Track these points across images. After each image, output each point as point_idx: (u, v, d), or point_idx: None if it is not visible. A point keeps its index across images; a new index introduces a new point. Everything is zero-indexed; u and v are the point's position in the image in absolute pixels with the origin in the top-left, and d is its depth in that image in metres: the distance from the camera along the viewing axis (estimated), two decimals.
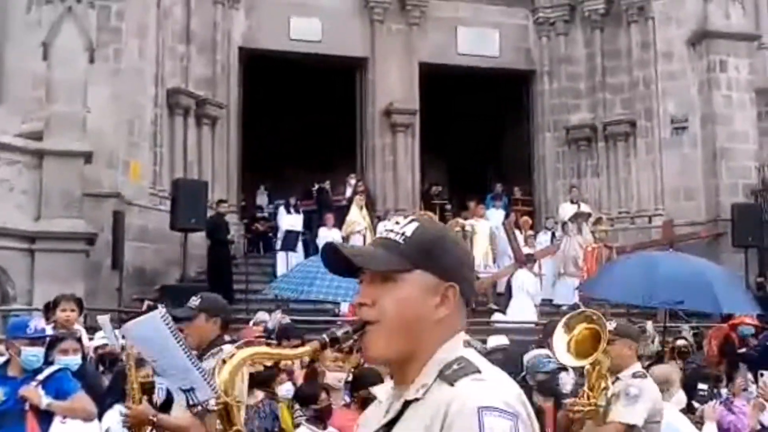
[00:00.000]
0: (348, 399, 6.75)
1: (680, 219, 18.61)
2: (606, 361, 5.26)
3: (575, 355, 5.31)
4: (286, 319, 10.16)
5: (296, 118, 22.43)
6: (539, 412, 5.95)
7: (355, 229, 17.55)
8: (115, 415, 5.88)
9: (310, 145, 22.49)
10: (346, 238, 17.51)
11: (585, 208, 18.49)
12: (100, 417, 5.97)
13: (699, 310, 12.21)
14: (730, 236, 17.33)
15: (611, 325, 5.46)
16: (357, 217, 17.74)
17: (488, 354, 9.01)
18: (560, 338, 5.40)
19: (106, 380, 6.90)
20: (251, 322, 9.82)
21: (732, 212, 17.41)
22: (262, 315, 10.22)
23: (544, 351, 6.55)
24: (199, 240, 15.87)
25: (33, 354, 5.88)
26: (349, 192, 19.20)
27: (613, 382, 5.23)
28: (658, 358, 8.32)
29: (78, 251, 13.55)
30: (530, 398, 5.85)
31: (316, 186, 20.14)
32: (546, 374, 6.06)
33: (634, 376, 5.29)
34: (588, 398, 5.21)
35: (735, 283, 10.15)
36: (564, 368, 6.69)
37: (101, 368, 7.43)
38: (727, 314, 11.59)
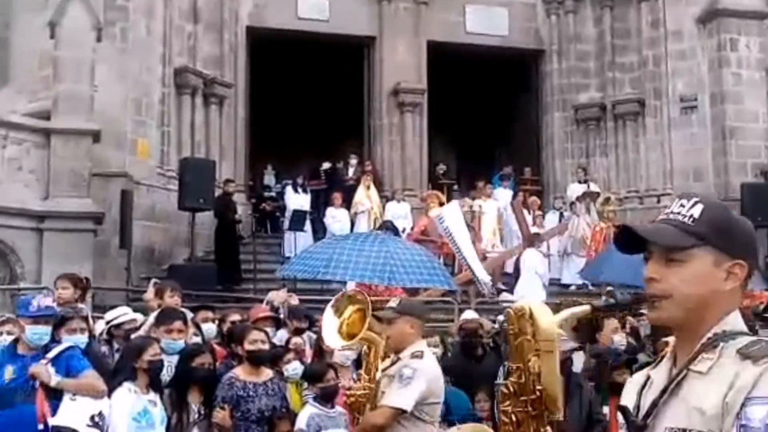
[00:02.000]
0: (355, 377, 6.74)
1: None
2: (381, 342, 5.10)
3: (346, 338, 5.18)
4: (294, 299, 10.13)
5: (304, 97, 22.37)
6: None
7: (359, 209, 17.58)
8: (124, 393, 5.89)
9: (318, 124, 22.44)
10: (353, 217, 17.56)
11: (593, 187, 18.46)
12: (109, 395, 5.97)
13: None
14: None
15: (393, 303, 5.34)
16: (363, 197, 17.75)
17: (497, 334, 9.02)
18: (330, 322, 5.29)
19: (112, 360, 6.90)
20: (264, 301, 9.80)
21: (741, 192, 17.32)
22: (273, 294, 10.20)
23: (559, 330, 6.52)
24: (207, 219, 15.88)
25: (35, 332, 5.90)
26: (351, 172, 19.19)
27: (395, 362, 5.05)
28: None
29: (86, 231, 13.55)
30: None
31: (326, 165, 20.07)
32: (561, 353, 6.03)
33: (413, 356, 5.03)
34: (364, 381, 5.07)
35: None
36: (577, 348, 6.67)
37: (115, 346, 7.42)
38: None
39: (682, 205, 2.11)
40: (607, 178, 19.77)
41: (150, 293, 8.81)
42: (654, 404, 2.06)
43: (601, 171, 19.85)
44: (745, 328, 2.06)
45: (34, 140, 13.57)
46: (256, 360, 6.51)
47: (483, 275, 12.91)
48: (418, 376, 4.92)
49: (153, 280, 9.49)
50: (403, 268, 8.89)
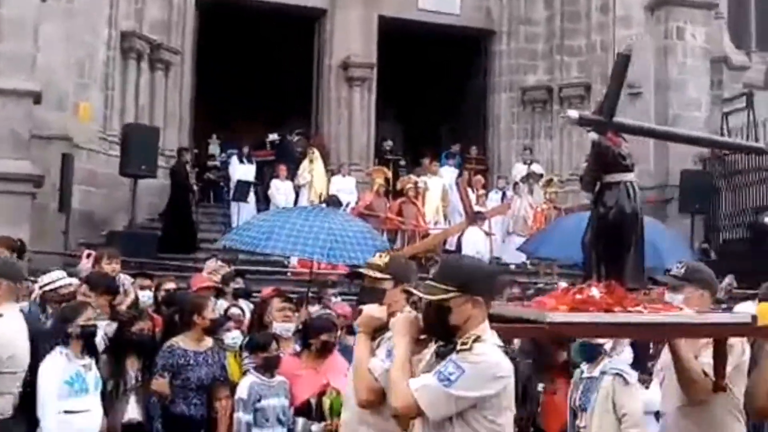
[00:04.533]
0: (298, 348, 6.77)
1: None
2: None
3: None
4: (225, 268, 10.10)
5: (251, 67, 22.14)
6: None
7: (302, 182, 17.55)
8: (55, 357, 5.82)
9: (265, 95, 22.25)
10: (297, 190, 17.52)
11: (537, 168, 18.63)
12: (41, 360, 5.88)
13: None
14: (677, 202, 17.59)
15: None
16: (307, 170, 17.71)
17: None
18: None
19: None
20: (204, 271, 9.76)
21: (681, 179, 17.64)
22: (212, 263, 10.16)
23: None
24: (148, 187, 15.67)
25: None
26: (297, 144, 19.16)
27: None
28: None
29: (24, 193, 13.23)
30: None
31: (273, 136, 19.94)
32: None
33: None
34: None
35: (678, 240, 10.30)
36: None
37: (49, 311, 7.31)
38: None
39: None
40: (550, 160, 19.96)
41: (83, 263, 8.71)
42: None
43: (545, 153, 20.03)
44: None
45: None
46: (203, 330, 6.55)
47: None
48: None
49: (86, 251, 9.38)
50: (343, 244, 8.87)
